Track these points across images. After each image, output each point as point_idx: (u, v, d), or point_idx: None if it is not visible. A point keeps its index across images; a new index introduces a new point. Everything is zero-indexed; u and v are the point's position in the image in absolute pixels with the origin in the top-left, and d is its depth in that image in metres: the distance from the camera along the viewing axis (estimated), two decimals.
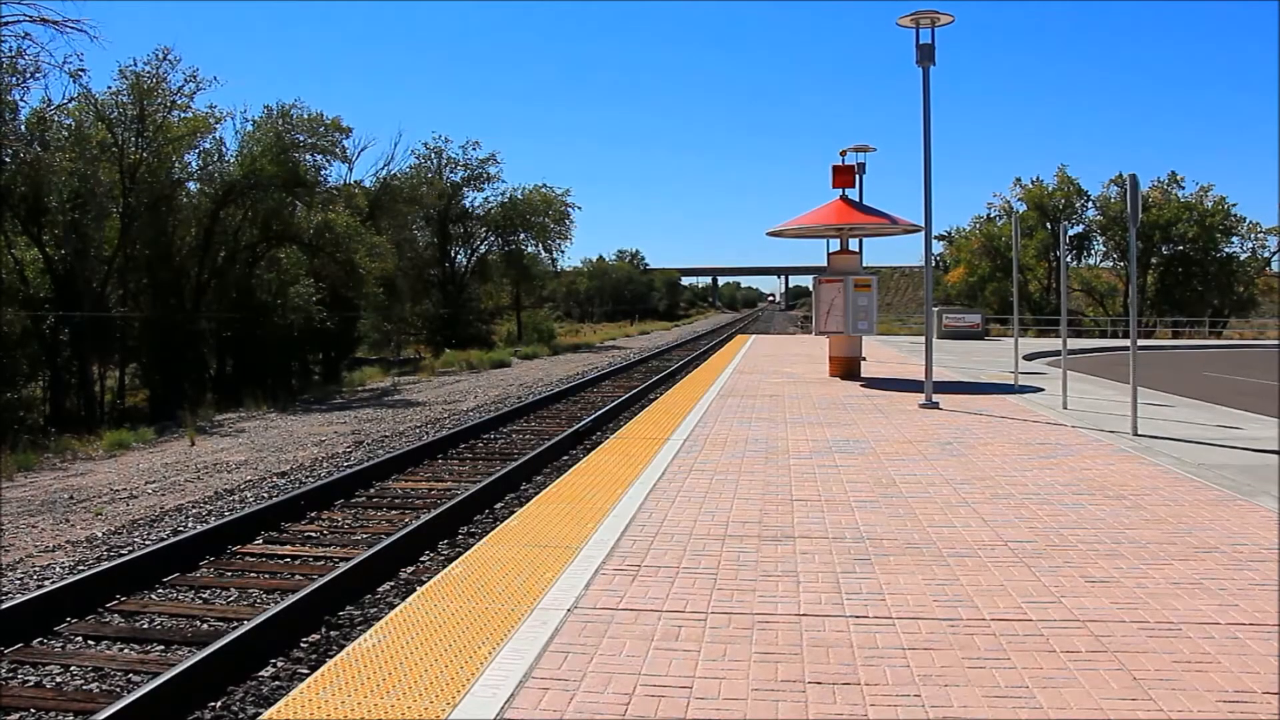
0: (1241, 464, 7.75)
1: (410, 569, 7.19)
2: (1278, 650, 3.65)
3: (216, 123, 25.83)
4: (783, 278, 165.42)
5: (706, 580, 4.58)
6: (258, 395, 20.95)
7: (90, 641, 5.77)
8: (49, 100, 22.35)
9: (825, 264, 15.84)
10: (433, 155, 43.71)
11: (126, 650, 5.64)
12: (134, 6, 75.19)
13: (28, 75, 19.14)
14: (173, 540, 7.61)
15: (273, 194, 26.12)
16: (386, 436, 14.43)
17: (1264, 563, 4.82)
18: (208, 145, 26.25)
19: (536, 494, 7.57)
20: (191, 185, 26.39)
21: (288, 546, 7.95)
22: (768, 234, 16.32)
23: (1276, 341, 32.49)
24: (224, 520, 8.35)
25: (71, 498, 10.42)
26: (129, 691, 4.87)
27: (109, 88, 23.41)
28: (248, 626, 5.51)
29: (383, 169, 38.67)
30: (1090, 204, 48.53)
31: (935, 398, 11.65)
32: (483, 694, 3.32)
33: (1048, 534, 5.40)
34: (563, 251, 49.58)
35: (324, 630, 5.87)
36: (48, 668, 5.33)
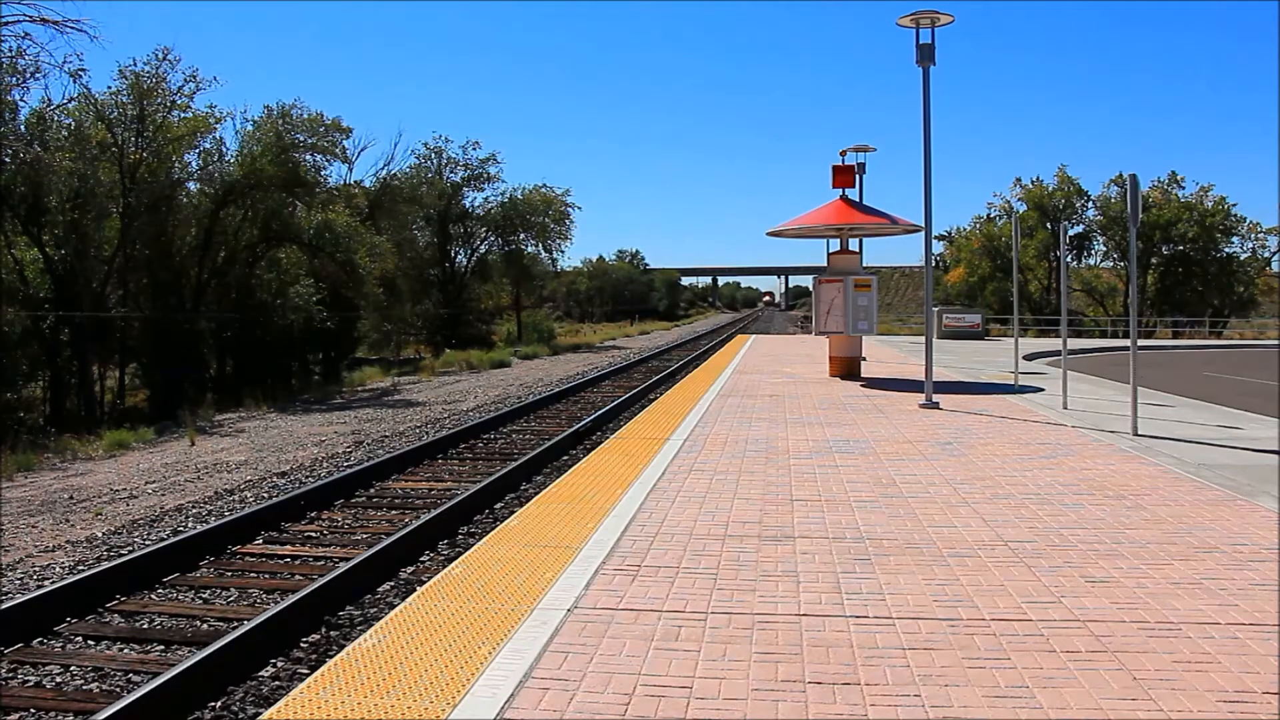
0: (1241, 464, 7.75)
1: (410, 569, 7.19)
2: (1278, 650, 3.65)
3: (216, 123, 25.91)
4: (783, 278, 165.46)
5: (706, 580, 4.58)
6: (258, 395, 20.97)
7: (90, 641, 5.77)
8: (49, 100, 22.45)
9: (825, 264, 15.84)
10: (433, 155, 43.84)
11: (126, 650, 5.64)
12: (134, 6, 75.17)
13: (28, 75, 19.19)
14: (173, 540, 7.61)
15: (273, 194, 26.16)
16: (386, 436, 14.43)
17: (1264, 563, 4.82)
18: (208, 145, 26.35)
19: (536, 494, 7.58)
20: (191, 185, 26.47)
21: (288, 546, 7.95)
22: (768, 234, 16.32)
23: (1276, 341, 32.48)
24: (224, 520, 8.35)
25: (71, 498, 10.42)
26: (129, 691, 4.88)
27: (109, 88, 23.49)
28: (248, 626, 5.51)
29: (383, 169, 38.80)
30: (1090, 204, 48.62)
31: (935, 398, 11.65)
32: (483, 694, 3.31)
33: (1048, 534, 5.40)
34: (563, 251, 49.71)
35: (324, 630, 5.87)
36: (48, 668, 5.33)
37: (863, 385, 14.36)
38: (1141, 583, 4.50)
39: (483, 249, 46.67)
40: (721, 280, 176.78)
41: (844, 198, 15.19)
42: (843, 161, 17.63)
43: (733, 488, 6.74)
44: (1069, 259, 46.53)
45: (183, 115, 24.74)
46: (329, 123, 29.10)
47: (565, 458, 11.81)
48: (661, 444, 8.72)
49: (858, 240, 17.07)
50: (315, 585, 6.29)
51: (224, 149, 26.87)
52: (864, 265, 16.76)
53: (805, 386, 14.22)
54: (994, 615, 4.07)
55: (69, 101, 22.62)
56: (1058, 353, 16.10)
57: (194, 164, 26.12)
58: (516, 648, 3.74)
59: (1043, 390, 13.66)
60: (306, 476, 11.11)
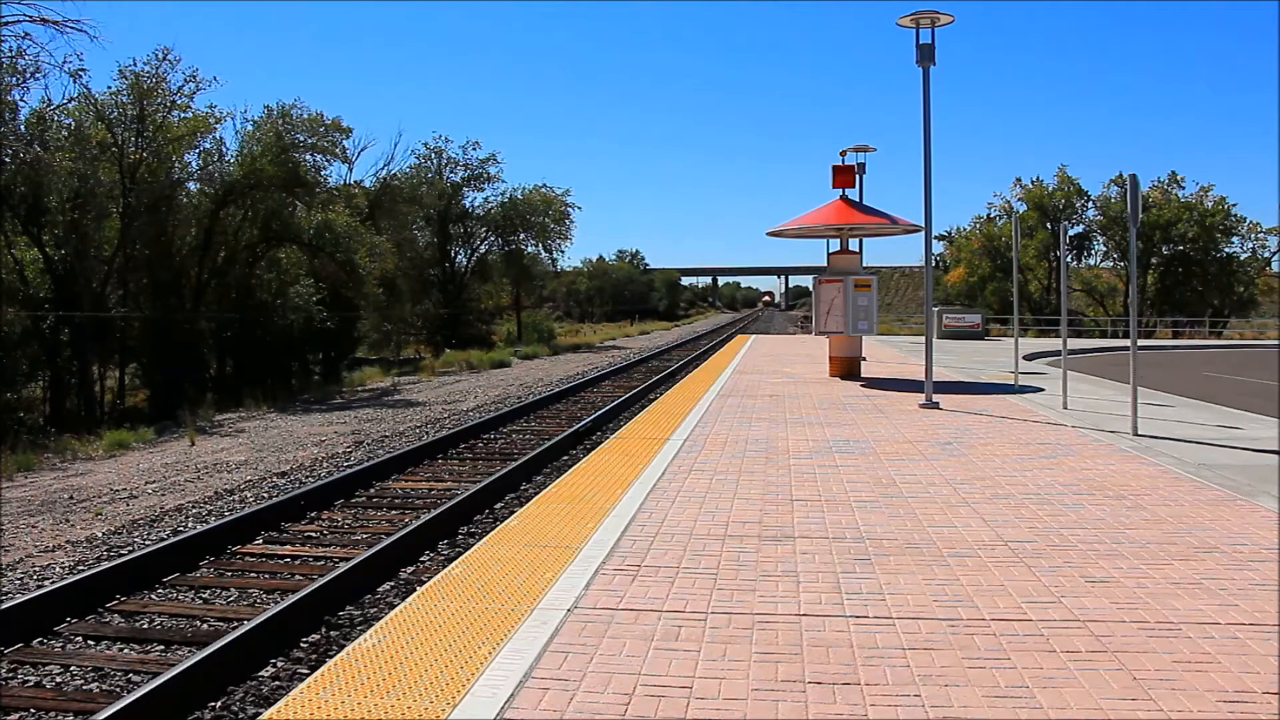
0: (1241, 464, 7.75)
1: (410, 569, 7.19)
2: (1278, 650, 3.65)
3: (216, 123, 25.91)
4: (783, 278, 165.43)
5: (706, 580, 4.58)
6: (258, 395, 20.97)
7: (90, 641, 5.78)
8: (49, 100, 22.44)
9: (825, 264, 15.84)
10: (433, 155, 43.86)
11: (126, 650, 5.64)
12: (134, 6, 75.17)
13: (28, 75, 19.19)
14: (173, 540, 7.61)
15: (273, 194, 26.16)
16: (386, 436, 14.43)
17: (1264, 563, 4.82)
18: (208, 145, 26.34)
19: (536, 494, 7.58)
20: (191, 185, 26.47)
21: (288, 546, 7.95)
22: (768, 234, 16.32)
23: (1276, 341, 32.48)
24: (224, 520, 8.35)
25: (71, 498, 10.42)
26: (129, 691, 4.88)
27: (109, 88, 23.48)
28: (248, 626, 5.51)
29: (383, 169, 38.83)
30: (1090, 204, 48.64)
31: (935, 398, 11.65)
32: (483, 694, 3.32)
33: (1048, 534, 5.40)
34: (563, 251, 49.71)
35: (324, 630, 5.87)
36: (48, 668, 5.33)
37: (863, 385, 14.36)
38: (1141, 583, 4.50)
39: (483, 249, 46.69)
40: (721, 280, 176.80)
41: (844, 198, 15.19)
42: (843, 161, 17.64)
43: (733, 488, 6.74)
44: (1069, 259, 46.54)
45: (183, 115, 24.75)
46: (329, 123, 29.14)
47: (565, 458, 11.81)
48: (661, 444, 8.72)
49: (858, 240, 17.07)
50: (315, 585, 6.29)
51: (224, 149, 26.92)
52: (864, 265, 16.76)
53: (805, 386, 14.22)
54: (994, 615, 4.07)
55: (69, 101, 22.65)
56: (1058, 353, 16.11)
57: (194, 164, 26.16)
58: (516, 648, 3.74)
59: (1043, 390, 13.66)
60: (306, 476, 11.11)
